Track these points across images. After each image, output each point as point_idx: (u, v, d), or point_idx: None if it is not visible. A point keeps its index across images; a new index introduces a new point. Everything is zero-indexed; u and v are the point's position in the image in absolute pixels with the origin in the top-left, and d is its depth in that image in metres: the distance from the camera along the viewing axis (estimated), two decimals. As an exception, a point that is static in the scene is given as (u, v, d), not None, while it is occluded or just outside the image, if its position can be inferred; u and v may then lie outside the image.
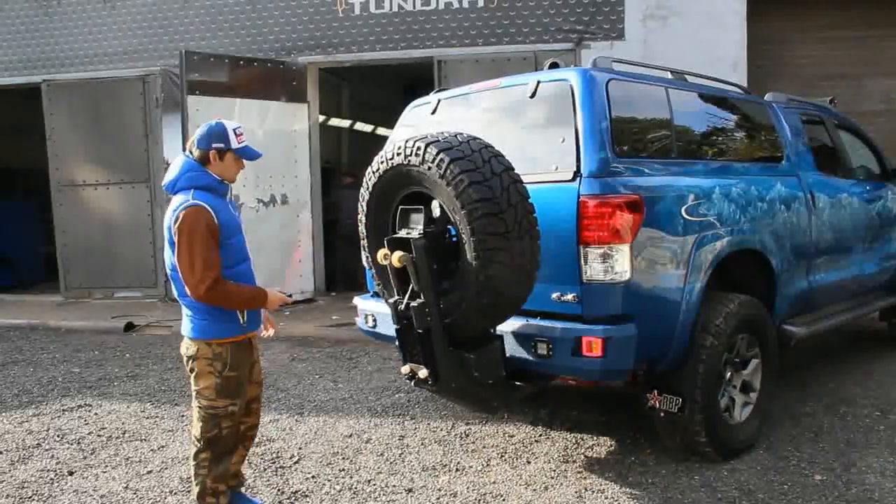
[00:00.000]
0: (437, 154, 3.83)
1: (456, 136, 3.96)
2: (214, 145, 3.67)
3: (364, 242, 4.56)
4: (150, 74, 11.66)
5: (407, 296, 4.13)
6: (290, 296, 4.04)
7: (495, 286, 3.86)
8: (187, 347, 3.75)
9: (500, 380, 4.29)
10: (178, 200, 3.62)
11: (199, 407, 3.73)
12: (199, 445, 3.75)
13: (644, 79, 4.87)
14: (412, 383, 4.34)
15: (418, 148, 3.91)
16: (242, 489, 4.32)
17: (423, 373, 4.17)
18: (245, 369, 3.81)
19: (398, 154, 4.02)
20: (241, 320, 3.70)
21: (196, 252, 3.49)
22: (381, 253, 4.10)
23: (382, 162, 4.15)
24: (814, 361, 6.81)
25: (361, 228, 4.53)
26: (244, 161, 3.81)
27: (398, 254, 4.01)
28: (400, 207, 4.24)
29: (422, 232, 4.04)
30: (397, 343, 4.42)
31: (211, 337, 3.67)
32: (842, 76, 10.09)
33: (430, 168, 3.86)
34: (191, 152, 3.74)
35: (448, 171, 3.80)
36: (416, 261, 3.99)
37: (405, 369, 4.33)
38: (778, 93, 6.12)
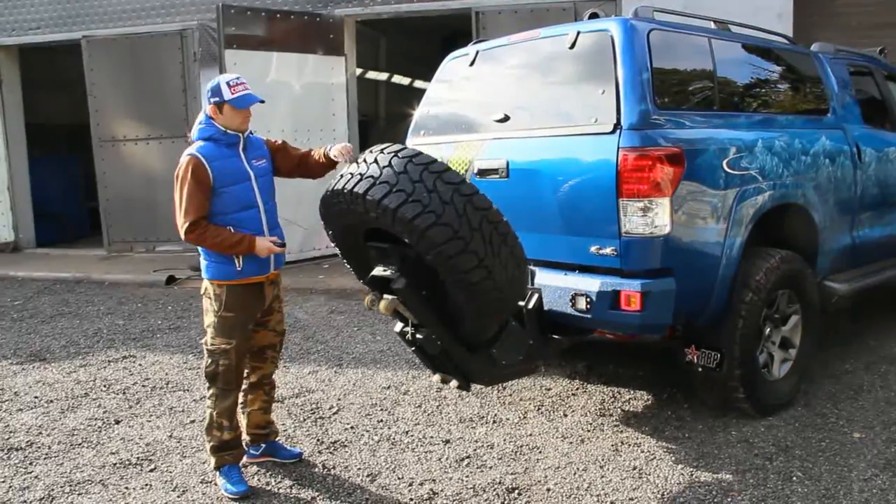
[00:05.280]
0: (379, 203, 3.46)
1: (390, 162, 3.54)
2: (212, 100, 3.90)
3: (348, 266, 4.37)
4: (187, 29, 11.68)
5: (411, 326, 4.01)
6: (282, 245, 3.96)
7: (491, 304, 3.69)
8: (203, 287, 4.06)
9: (528, 351, 4.24)
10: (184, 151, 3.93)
11: (204, 342, 4.00)
12: (207, 383, 4.00)
13: (686, 29, 4.77)
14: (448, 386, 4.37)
15: (356, 196, 3.55)
16: (281, 440, 4.42)
17: (454, 382, 4.20)
18: (246, 313, 3.97)
19: (340, 202, 3.71)
20: (238, 265, 3.88)
21: (182, 197, 3.78)
22: (367, 300, 3.92)
23: (329, 206, 3.85)
24: (855, 319, 6.71)
25: (338, 253, 4.29)
26: (248, 110, 3.94)
27: (384, 303, 3.80)
28: (367, 244, 3.97)
29: (398, 270, 3.78)
30: (418, 357, 4.38)
31: (211, 277, 3.96)
32: (892, 25, 9.73)
33: (376, 217, 3.56)
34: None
35: (396, 221, 3.45)
36: (404, 302, 3.82)
37: (436, 378, 4.37)
38: (825, 43, 5.95)
